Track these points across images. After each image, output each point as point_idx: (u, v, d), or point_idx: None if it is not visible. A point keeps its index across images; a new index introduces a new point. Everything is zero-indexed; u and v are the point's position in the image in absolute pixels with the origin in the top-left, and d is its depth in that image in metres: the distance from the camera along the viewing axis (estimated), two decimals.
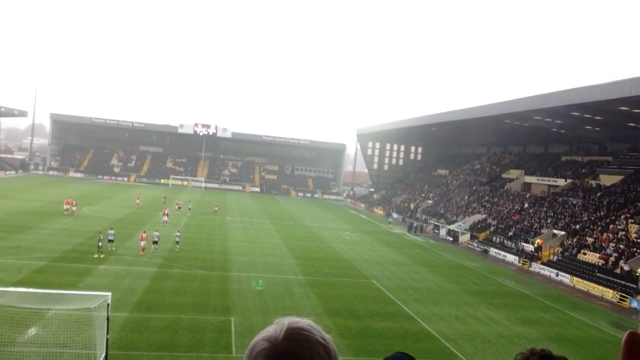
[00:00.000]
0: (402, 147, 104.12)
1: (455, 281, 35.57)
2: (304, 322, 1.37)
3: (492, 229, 55.50)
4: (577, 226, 46.32)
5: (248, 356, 1.32)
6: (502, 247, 49.86)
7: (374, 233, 58.00)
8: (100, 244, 31.52)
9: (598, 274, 37.48)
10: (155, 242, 34.61)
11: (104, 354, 16.62)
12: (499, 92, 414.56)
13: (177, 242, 36.25)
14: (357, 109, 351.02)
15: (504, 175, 70.11)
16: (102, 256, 31.18)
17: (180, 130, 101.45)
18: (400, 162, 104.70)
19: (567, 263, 41.34)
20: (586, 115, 47.29)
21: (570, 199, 52.54)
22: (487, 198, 65.49)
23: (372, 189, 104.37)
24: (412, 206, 76.61)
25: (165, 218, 47.71)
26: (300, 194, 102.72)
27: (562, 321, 27.96)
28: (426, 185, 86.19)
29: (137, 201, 60.05)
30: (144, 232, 35.56)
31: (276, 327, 1.34)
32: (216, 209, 61.50)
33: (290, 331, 1.32)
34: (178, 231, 38.22)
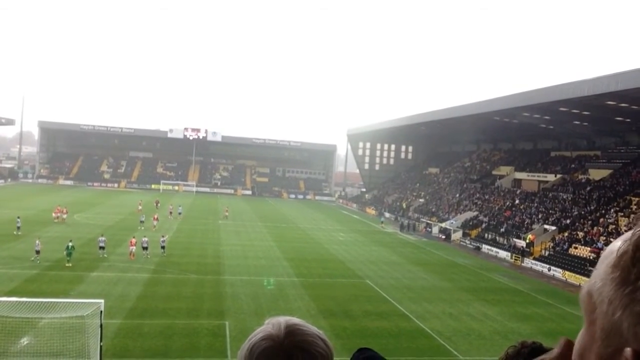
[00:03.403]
0: (393, 147, 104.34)
1: (448, 279, 35.70)
2: (296, 319, 1.37)
3: (483, 225, 55.76)
4: (568, 221, 46.69)
5: (247, 357, 1.28)
6: (494, 243, 50.11)
7: (366, 233, 58.09)
8: (65, 252, 30.46)
9: (590, 268, 37.73)
10: (145, 248, 34.43)
11: None
12: (488, 89, 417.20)
13: (163, 247, 35.83)
14: (347, 110, 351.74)
15: (494, 172, 70.50)
16: (69, 265, 30.22)
17: (170, 135, 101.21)
18: (391, 161, 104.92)
19: (559, 258, 41.64)
20: (574, 111, 47.67)
21: (560, 194, 52.93)
22: (478, 195, 65.83)
23: (364, 189, 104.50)
24: (404, 205, 76.83)
25: (155, 222, 47.37)
26: (292, 196, 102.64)
27: (555, 315, 28.14)
28: (417, 184, 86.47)
29: (140, 207, 59.13)
30: (134, 237, 35.40)
31: (272, 326, 1.32)
32: (227, 214, 60.68)
33: (291, 328, 1.31)
34: (163, 235, 37.90)
